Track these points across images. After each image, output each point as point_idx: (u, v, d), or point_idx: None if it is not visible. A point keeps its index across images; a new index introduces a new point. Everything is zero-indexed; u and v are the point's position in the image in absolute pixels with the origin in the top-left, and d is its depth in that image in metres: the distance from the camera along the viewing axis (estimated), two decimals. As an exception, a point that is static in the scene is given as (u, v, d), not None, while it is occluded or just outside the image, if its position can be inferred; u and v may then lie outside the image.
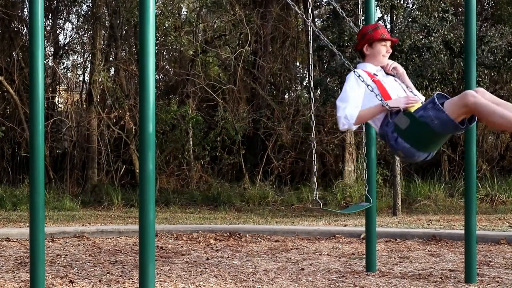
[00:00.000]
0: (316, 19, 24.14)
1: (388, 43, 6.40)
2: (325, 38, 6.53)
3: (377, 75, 6.24)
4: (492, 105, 5.38)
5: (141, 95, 5.90)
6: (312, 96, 7.08)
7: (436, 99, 5.57)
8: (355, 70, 6.16)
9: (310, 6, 7.93)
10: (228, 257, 10.08)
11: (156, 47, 22.99)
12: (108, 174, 22.66)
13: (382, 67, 6.44)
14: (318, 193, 7.38)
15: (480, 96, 5.44)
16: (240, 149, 22.21)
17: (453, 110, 5.47)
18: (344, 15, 7.35)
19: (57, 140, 24.62)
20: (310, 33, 6.98)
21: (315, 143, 6.99)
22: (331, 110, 21.93)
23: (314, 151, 7.29)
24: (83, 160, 23.44)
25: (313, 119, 6.74)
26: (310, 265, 9.31)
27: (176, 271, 8.83)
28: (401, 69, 6.40)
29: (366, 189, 8.53)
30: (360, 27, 6.43)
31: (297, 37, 24.12)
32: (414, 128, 5.66)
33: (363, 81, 6.02)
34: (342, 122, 6.06)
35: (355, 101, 6.04)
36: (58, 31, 25.06)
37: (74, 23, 25.83)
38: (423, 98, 6.19)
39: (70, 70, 25.94)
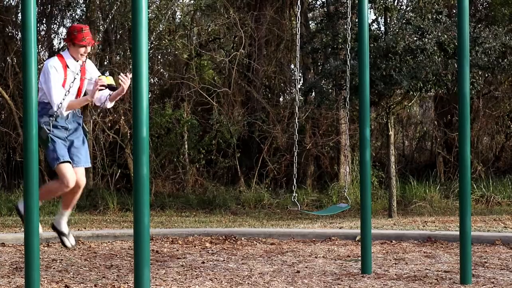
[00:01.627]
0: (310, 22, 24.17)
1: (89, 48, 7.56)
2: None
3: (69, 67, 7.29)
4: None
5: (134, 99, 5.91)
6: (297, 99, 7.09)
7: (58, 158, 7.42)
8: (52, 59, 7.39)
9: (299, 9, 7.93)
10: (224, 260, 10.08)
11: (151, 51, 23.01)
12: (104, 179, 22.63)
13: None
14: (296, 195, 7.65)
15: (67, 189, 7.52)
16: (235, 152, 22.21)
17: (58, 172, 7.49)
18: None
19: (52, 145, 24.55)
20: (298, 36, 6.94)
21: (296, 146, 7.02)
22: (325, 112, 21.95)
23: (295, 153, 7.38)
24: (78, 164, 23.37)
25: (296, 121, 6.75)
26: (306, 267, 9.31)
27: (172, 274, 8.83)
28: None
29: (346, 190, 8.53)
30: (73, 24, 7.61)
31: (291, 39, 24.12)
32: (43, 141, 7.35)
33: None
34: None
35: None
36: (52, 36, 25.03)
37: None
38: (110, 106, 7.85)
39: (65, 74, 25.86)
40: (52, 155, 7.35)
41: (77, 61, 7.52)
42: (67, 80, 7.40)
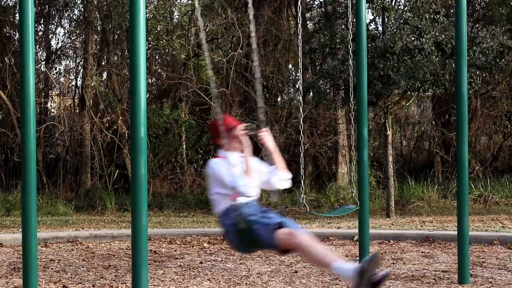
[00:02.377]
0: (308, 22, 24.17)
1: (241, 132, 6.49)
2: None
3: (229, 161, 6.39)
4: (313, 246, 5.90)
5: (132, 99, 5.91)
6: (301, 100, 7.10)
7: (273, 224, 5.99)
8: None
9: (300, 9, 7.94)
10: (222, 260, 10.08)
11: (148, 51, 23.01)
12: (102, 179, 22.61)
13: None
14: (305, 196, 7.51)
15: (304, 237, 5.93)
16: (233, 153, 22.19)
17: (282, 243, 5.93)
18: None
19: (50, 145, 24.57)
20: (300, 36, 6.95)
21: (302, 147, 7.02)
22: (323, 112, 21.95)
23: (302, 154, 7.34)
24: (76, 165, 23.39)
25: (301, 122, 6.77)
26: (304, 267, 9.32)
27: (170, 275, 8.83)
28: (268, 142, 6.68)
29: (354, 191, 8.54)
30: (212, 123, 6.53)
31: (289, 39, 24.12)
32: (246, 233, 6.06)
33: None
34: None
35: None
36: (50, 36, 25.02)
37: (66, 28, 25.82)
38: (288, 177, 6.61)
39: (63, 75, 25.89)
40: (264, 230, 6.06)
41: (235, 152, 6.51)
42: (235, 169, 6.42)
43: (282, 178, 6.58)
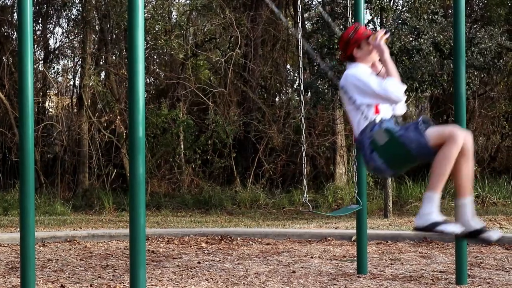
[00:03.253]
0: (306, 22, 24.16)
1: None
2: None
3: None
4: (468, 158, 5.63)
5: (130, 99, 5.91)
6: (302, 99, 7.09)
7: (420, 122, 5.52)
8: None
9: (299, 9, 7.94)
10: (220, 260, 10.08)
11: (147, 51, 23.00)
12: (99, 178, 22.61)
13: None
14: (307, 196, 7.46)
15: (466, 142, 5.48)
16: (231, 152, 22.19)
17: (436, 139, 5.43)
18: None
19: (48, 145, 24.56)
20: (300, 36, 6.95)
21: (305, 146, 7.02)
22: (321, 112, 21.95)
23: (304, 153, 7.32)
24: (74, 164, 23.38)
25: (303, 121, 6.75)
26: (302, 267, 9.32)
27: (168, 274, 8.83)
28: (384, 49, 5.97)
29: (356, 191, 8.54)
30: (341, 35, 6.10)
31: (287, 39, 24.12)
32: (391, 146, 5.58)
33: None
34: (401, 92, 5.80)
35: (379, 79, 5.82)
36: (48, 36, 25.02)
37: (64, 28, 25.80)
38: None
39: (61, 74, 25.88)
40: (411, 134, 5.49)
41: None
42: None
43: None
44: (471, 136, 5.51)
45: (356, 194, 8.59)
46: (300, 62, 7.66)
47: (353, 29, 6.03)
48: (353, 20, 8.96)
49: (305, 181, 7.77)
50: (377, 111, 5.74)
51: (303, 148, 8.03)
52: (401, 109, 5.98)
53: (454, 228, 5.62)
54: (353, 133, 5.86)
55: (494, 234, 5.57)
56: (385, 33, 5.94)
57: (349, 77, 5.80)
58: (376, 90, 5.67)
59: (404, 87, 5.77)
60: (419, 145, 5.46)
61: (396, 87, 5.71)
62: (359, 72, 5.81)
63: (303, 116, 8.07)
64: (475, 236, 5.61)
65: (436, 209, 5.69)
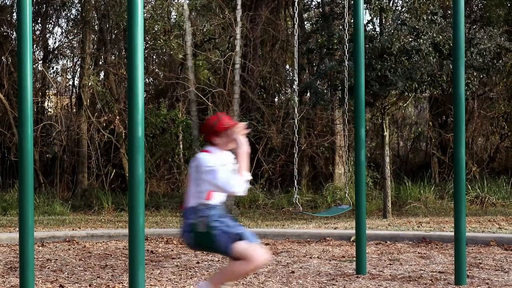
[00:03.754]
0: (305, 22, 24.17)
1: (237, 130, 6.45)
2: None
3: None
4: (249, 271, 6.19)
5: (129, 99, 5.90)
6: (296, 100, 7.10)
7: (234, 234, 6.08)
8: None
9: (296, 10, 7.94)
10: (219, 260, 10.07)
11: (146, 51, 23.00)
12: (98, 178, 22.62)
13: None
14: (299, 196, 7.57)
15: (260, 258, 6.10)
16: (230, 153, 22.19)
17: (238, 254, 6.05)
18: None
19: (47, 145, 24.56)
20: (296, 37, 6.95)
21: (297, 147, 7.03)
22: (320, 113, 21.95)
23: (296, 155, 7.35)
24: (73, 164, 23.38)
25: (296, 122, 6.78)
26: (301, 268, 9.32)
27: (167, 274, 8.83)
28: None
29: (347, 192, 8.55)
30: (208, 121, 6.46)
31: (286, 40, 24.13)
32: (204, 237, 6.14)
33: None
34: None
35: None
36: (47, 36, 25.02)
37: (64, 27, 25.80)
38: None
39: (60, 74, 25.88)
40: (222, 238, 6.09)
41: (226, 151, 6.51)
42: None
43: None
44: (264, 252, 6.12)
45: (346, 195, 8.60)
46: (295, 63, 7.64)
47: (216, 119, 6.38)
48: (352, 21, 8.96)
49: (295, 182, 7.78)
50: (208, 197, 6.19)
51: (295, 149, 8.03)
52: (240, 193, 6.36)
53: None
54: (186, 199, 6.25)
55: None
56: (246, 127, 6.36)
57: (200, 160, 6.16)
58: (219, 183, 6.07)
59: (246, 184, 6.20)
60: (225, 249, 6.09)
61: (239, 185, 6.12)
62: (208, 160, 6.15)
63: (296, 116, 8.07)
64: None
65: None
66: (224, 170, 6.15)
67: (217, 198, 6.25)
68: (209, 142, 6.42)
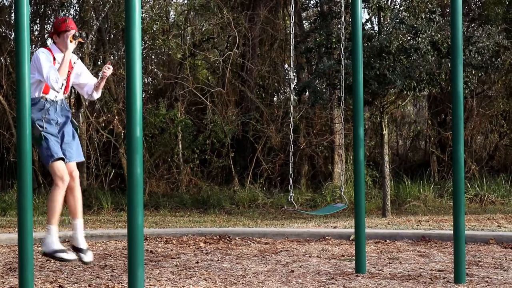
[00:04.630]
0: (303, 21, 24.16)
1: (74, 33, 7.57)
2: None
3: (56, 59, 7.56)
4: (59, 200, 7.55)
5: (128, 99, 5.90)
6: (292, 99, 7.09)
7: (55, 154, 7.36)
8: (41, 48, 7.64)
9: (292, 9, 7.93)
10: (218, 260, 10.07)
11: (144, 51, 23.00)
12: (98, 178, 22.62)
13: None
14: (293, 195, 7.72)
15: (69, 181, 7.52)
16: (229, 152, 22.20)
17: (51, 171, 7.39)
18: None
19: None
20: (292, 35, 6.94)
21: (292, 146, 7.05)
22: (319, 112, 21.96)
23: (291, 154, 7.36)
24: (72, 164, 23.35)
25: (291, 121, 6.77)
26: (300, 267, 9.32)
27: (166, 274, 8.82)
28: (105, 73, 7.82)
29: (343, 190, 8.54)
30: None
31: (285, 39, 24.13)
32: (36, 139, 7.27)
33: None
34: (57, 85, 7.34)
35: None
36: (45, 36, 24.99)
37: (62, 28, 25.76)
38: (96, 98, 8.06)
39: (58, 74, 25.86)
40: (46, 152, 7.31)
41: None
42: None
43: (94, 96, 7.93)
44: (75, 172, 7.59)
45: (342, 193, 8.59)
46: (291, 62, 7.65)
47: (61, 20, 7.58)
48: (350, 20, 8.95)
49: (291, 180, 7.79)
50: (45, 91, 7.41)
51: (290, 147, 8.03)
52: (89, 97, 7.94)
53: (69, 256, 7.56)
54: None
55: (87, 257, 7.60)
56: (74, 36, 7.49)
57: (35, 54, 7.41)
58: (43, 73, 7.27)
59: (60, 82, 7.34)
60: (44, 161, 7.45)
61: (53, 78, 7.24)
62: (42, 54, 7.41)
63: (291, 115, 8.08)
64: (77, 252, 7.61)
65: (56, 238, 7.52)
66: (50, 64, 7.36)
67: (55, 91, 7.34)
68: (52, 39, 7.61)
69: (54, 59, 7.54)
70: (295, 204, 7.32)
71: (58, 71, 7.30)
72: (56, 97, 7.50)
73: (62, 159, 7.41)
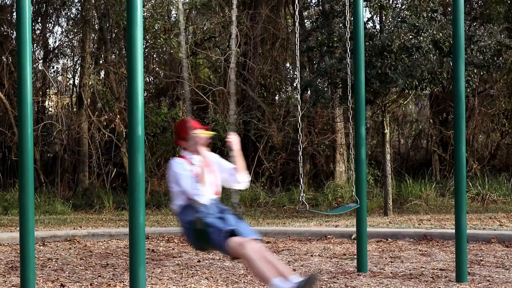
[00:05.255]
0: (305, 20, 24.15)
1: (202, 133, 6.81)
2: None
3: (193, 164, 6.66)
4: (258, 260, 6.18)
5: (129, 98, 5.91)
6: (299, 98, 7.12)
7: (226, 231, 6.23)
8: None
9: (297, 8, 7.93)
10: (220, 259, 10.08)
11: (146, 50, 23.00)
12: (99, 177, 22.61)
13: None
14: (304, 195, 7.58)
15: (251, 249, 6.18)
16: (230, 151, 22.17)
17: (232, 252, 6.19)
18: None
19: (47, 144, 24.56)
20: (297, 35, 6.95)
21: (301, 145, 7.08)
22: (321, 111, 21.95)
23: (300, 152, 7.37)
24: (74, 163, 23.39)
25: (299, 120, 6.82)
26: (302, 266, 9.32)
27: (168, 273, 8.83)
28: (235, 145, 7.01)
29: (354, 190, 8.54)
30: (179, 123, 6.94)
31: (286, 38, 24.11)
32: (201, 233, 6.33)
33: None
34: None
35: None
36: (47, 35, 25.02)
37: (64, 27, 25.81)
38: (246, 180, 6.97)
39: (60, 73, 25.89)
40: (217, 235, 6.27)
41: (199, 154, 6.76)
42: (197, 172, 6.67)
43: (240, 180, 6.91)
44: (258, 246, 6.27)
45: (354, 193, 8.59)
46: (297, 61, 7.63)
47: (183, 124, 6.73)
48: (352, 19, 8.95)
49: (301, 180, 7.77)
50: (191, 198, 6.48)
51: (299, 147, 8.01)
52: (240, 185, 6.98)
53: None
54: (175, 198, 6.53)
55: (298, 277, 6.18)
56: (208, 136, 6.76)
57: (170, 167, 6.56)
58: (183, 187, 6.43)
59: (202, 192, 6.47)
60: (220, 247, 6.30)
61: (194, 192, 6.42)
62: (177, 165, 6.55)
63: (299, 114, 8.07)
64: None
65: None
66: (189, 175, 6.46)
67: (205, 197, 6.46)
68: (179, 146, 6.86)
69: (191, 164, 6.68)
70: (306, 204, 7.33)
71: (199, 180, 6.46)
72: (207, 201, 6.54)
73: (234, 231, 6.32)
